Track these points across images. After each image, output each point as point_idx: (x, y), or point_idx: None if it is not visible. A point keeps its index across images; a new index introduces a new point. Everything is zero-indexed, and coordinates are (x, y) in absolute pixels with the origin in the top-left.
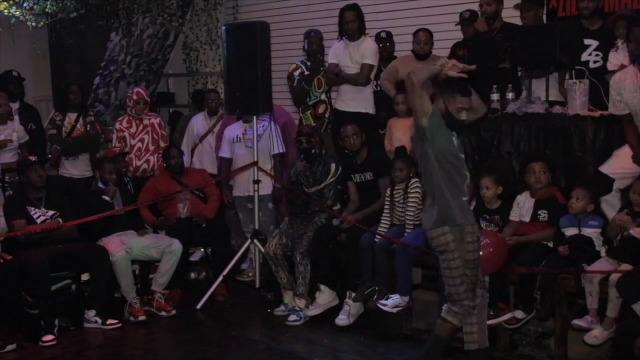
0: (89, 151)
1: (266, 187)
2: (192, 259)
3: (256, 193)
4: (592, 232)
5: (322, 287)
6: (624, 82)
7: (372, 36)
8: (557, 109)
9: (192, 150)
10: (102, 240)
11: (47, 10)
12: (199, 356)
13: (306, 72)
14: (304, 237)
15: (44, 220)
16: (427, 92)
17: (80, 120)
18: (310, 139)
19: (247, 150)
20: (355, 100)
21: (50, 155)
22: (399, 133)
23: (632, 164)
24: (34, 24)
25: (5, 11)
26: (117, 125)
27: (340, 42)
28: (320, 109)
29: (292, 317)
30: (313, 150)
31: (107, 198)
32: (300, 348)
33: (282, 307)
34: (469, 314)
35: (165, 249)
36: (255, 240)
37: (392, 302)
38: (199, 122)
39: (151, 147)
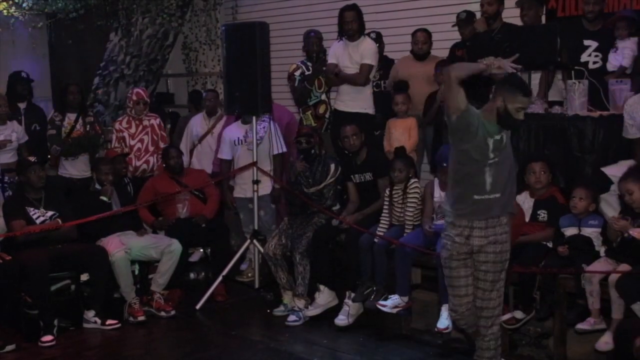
0: (89, 152)
1: (268, 187)
2: (191, 259)
3: (255, 193)
4: (592, 231)
5: (322, 287)
6: (637, 106)
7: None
8: (557, 109)
9: (191, 151)
10: (102, 241)
11: (46, 10)
12: (199, 356)
13: (307, 72)
14: (304, 237)
15: (44, 221)
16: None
17: (80, 120)
18: (310, 140)
19: (250, 152)
20: (355, 101)
21: (49, 156)
22: (398, 133)
23: None
24: (33, 24)
25: (5, 11)
26: (117, 126)
27: (339, 42)
28: (321, 109)
29: (292, 318)
30: (313, 151)
31: (104, 199)
32: (300, 348)
33: (282, 308)
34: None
35: (164, 249)
36: (255, 241)
37: (391, 303)
38: (197, 123)
39: (151, 148)
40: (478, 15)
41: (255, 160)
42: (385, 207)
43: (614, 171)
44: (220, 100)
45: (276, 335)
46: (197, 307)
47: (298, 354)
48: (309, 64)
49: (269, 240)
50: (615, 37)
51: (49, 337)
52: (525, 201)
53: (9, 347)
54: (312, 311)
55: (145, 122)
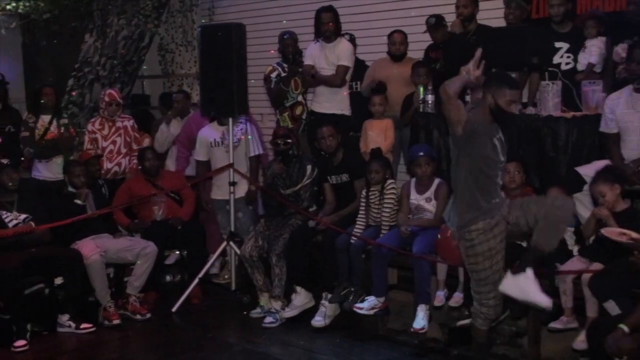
0: (63, 154)
1: (244, 189)
2: (167, 262)
3: (232, 195)
4: None
5: (298, 288)
6: (618, 101)
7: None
8: (531, 110)
9: (165, 153)
10: (76, 244)
11: (20, 11)
12: (175, 359)
13: (283, 74)
14: (280, 238)
15: (17, 224)
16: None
17: (54, 122)
18: (287, 141)
19: (228, 154)
20: (331, 102)
21: (22, 158)
22: (374, 134)
23: None
24: (6, 25)
25: None
26: (89, 127)
27: (316, 43)
28: (298, 111)
29: (268, 319)
30: (290, 152)
31: (78, 202)
32: (276, 350)
33: (258, 309)
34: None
35: (140, 252)
36: (231, 243)
37: (368, 305)
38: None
39: (123, 150)
40: (449, 18)
41: (232, 162)
42: (362, 208)
43: (588, 171)
44: (190, 101)
45: (253, 337)
46: (173, 309)
47: (275, 355)
48: (285, 65)
49: (246, 241)
50: (585, 36)
51: (21, 342)
52: None
53: None
54: (289, 312)
55: (119, 124)
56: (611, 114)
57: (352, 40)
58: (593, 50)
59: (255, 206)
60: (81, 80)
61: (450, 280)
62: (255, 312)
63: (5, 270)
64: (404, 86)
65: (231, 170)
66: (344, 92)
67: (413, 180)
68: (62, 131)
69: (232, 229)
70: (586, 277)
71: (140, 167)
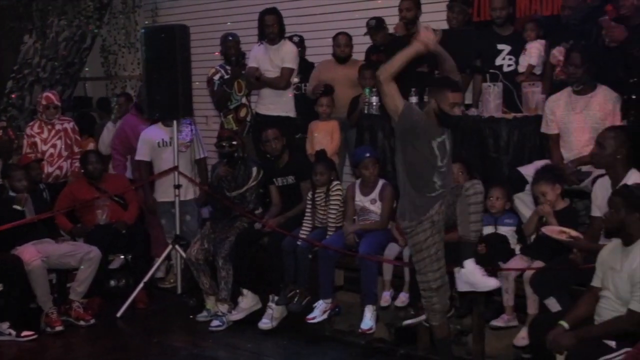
0: (1, 158)
1: (193, 191)
2: (111, 266)
3: (177, 198)
4: (507, 230)
5: (245, 291)
6: (558, 102)
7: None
8: (473, 112)
9: (107, 156)
10: (17, 250)
11: None
12: None
13: (226, 76)
14: (226, 241)
15: None
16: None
17: None
18: (232, 143)
19: (176, 155)
20: (276, 104)
21: None
22: (320, 136)
23: None
24: None
25: None
26: (28, 131)
27: (260, 45)
28: (242, 113)
29: (215, 323)
30: (235, 154)
31: (17, 207)
32: (223, 354)
33: (205, 313)
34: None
35: (83, 257)
36: (177, 246)
37: (319, 311)
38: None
39: (64, 153)
40: (390, 20)
41: (176, 164)
42: (308, 209)
43: (529, 171)
44: (132, 103)
45: (199, 341)
46: (118, 315)
47: (222, 359)
48: (227, 67)
49: (191, 245)
50: (525, 39)
51: None
52: None
53: None
54: (236, 315)
55: (58, 127)
56: (551, 115)
57: (301, 42)
58: (533, 53)
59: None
60: (20, 82)
61: (396, 281)
62: (202, 316)
63: None
64: (349, 88)
65: (176, 172)
66: (289, 94)
67: (358, 181)
68: (0, 134)
69: (178, 232)
70: (528, 274)
71: (83, 171)
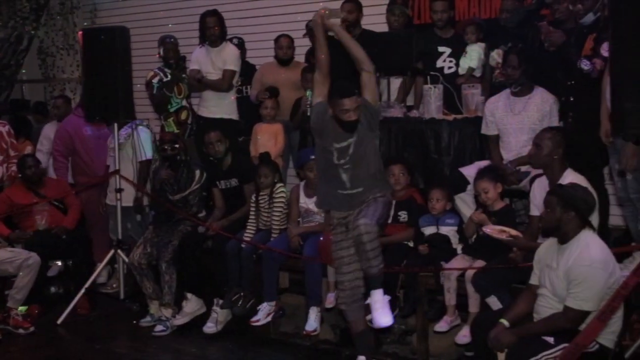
0: None
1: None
2: (49, 273)
3: (119, 202)
4: (449, 230)
5: (189, 295)
6: (497, 104)
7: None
8: (415, 113)
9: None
10: None
11: None
12: None
13: (165, 79)
14: (169, 245)
15: None
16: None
17: None
18: (174, 146)
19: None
20: (218, 107)
21: None
22: (264, 139)
23: None
24: None
25: None
26: None
27: (201, 48)
28: (183, 116)
29: (159, 328)
30: (178, 157)
31: None
32: (168, 358)
33: (148, 318)
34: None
35: (22, 264)
36: (119, 251)
37: (262, 314)
38: (51, 131)
39: None
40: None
41: (117, 167)
42: (252, 212)
43: (470, 171)
44: (71, 106)
45: (143, 347)
46: (59, 322)
47: None
48: (166, 70)
49: (134, 249)
50: (465, 42)
51: None
52: None
53: None
54: (180, 320)
55: None
56: (491, 117)
57: (241, 44)
58: (473, 55)
59: (143, 214)
60: None
61: None
62: (145, 321)
63: None
64: (292, 90)
65: (117, 176)
66: (232, 96)
67: (302, 183)
68: None
69: (120, 237)
70: (469, 274)
71: (20, 175)
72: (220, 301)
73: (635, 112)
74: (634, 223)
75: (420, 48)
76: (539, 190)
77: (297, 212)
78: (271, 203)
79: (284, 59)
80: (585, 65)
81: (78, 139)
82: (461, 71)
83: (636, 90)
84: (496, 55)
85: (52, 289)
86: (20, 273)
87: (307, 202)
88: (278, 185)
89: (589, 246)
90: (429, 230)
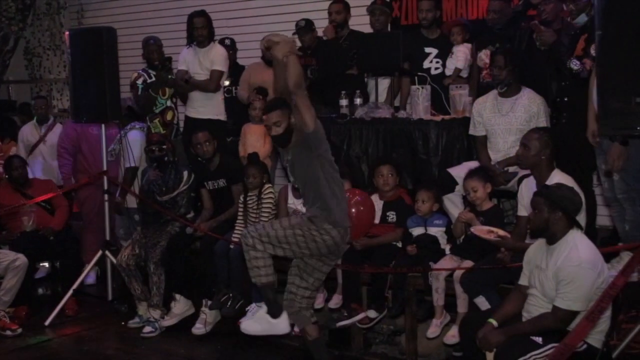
0: None
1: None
2: (37, 275)
3: (107, 203)
4: (437, 231)
5: (177, 296)
6: (485, 105)
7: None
8: (403, 114)
9: None
10: None
11: None
12: None
13: (149, 80)
14: (158, 246)
15: None
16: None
17: None
18: (162, 147)
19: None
20: (206, 107)
21: None
22: (253, 139)
23: None
24: None
25: None
26: None
27: (189, 48)
28: (168, 116)
29: (147, 329)
30: (165, 158)
31: None
32: None
33: (137, 319)
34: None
35: (9, 265)
36: (107, 252)
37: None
38: (28, 132)
39: None
40: (318, 23)
41: (105, 169)
42: (240, 213)
43: (459, 172)
44: (52, 107)
45: (131, 348)
46: (46, 323)
47: None
48: (151, 71)
49: (122, 250)
50: (452, 42)
51: None
52: (375, 203)
53: None
54: (168, 321)
55: None
56: (479, 117)
57: (233, 44)
58: (459, 56)
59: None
60: None
61: (329, 283)
62: (134, 322)
63: None
64: None
65: (105, 178)
66: (220, 97)
67: (290, 184)
68: None
69: (107, 238)
70: (458, 274)
71: (6, 176)
72: (209, 302)
73: (622, 112)
74: (621, 223)
75: (407, 49)
76: (526, 190)
77: (286, 212)
78: (259, 203)
79: (271, 60)
80: (575, 65)
81: (84, 138)
82: (448, 72)
83: (622, 91)
84: (484, 56)
85: (40, 290)
86: (8, 275)
87: (296, 203)
88: (266, 185)
89: (577, 246)
90: (417, 231)
